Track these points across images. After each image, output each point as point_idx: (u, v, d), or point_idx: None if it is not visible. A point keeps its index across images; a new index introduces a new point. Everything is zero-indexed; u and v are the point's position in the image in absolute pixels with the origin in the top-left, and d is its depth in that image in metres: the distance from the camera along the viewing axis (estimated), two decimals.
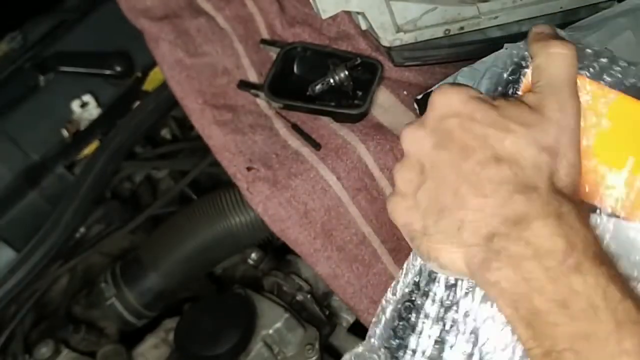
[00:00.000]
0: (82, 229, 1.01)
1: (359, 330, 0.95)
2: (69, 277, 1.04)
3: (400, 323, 0.56)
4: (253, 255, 1.04)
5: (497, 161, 0.45)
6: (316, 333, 0.92)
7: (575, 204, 0.46)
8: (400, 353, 0.56)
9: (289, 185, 0.84)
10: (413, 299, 0.56)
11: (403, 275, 0.57)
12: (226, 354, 0.88)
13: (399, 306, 0.57)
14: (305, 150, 0.86)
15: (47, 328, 1.00)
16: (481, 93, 0.49)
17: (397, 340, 0.56)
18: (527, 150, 0.45)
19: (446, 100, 0.48)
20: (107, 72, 1.02)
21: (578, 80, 0.50)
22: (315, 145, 0.86)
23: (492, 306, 0.51)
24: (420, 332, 0.55)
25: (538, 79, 0.49)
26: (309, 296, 0.96)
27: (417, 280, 0.56)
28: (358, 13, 0.85)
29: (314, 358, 0.91)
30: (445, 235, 0.47)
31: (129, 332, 1.02)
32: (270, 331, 0.91)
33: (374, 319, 0.58)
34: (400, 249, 0.86)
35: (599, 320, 0.42)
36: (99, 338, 0.99)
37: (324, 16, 0.81)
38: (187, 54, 0.96)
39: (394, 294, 0.57)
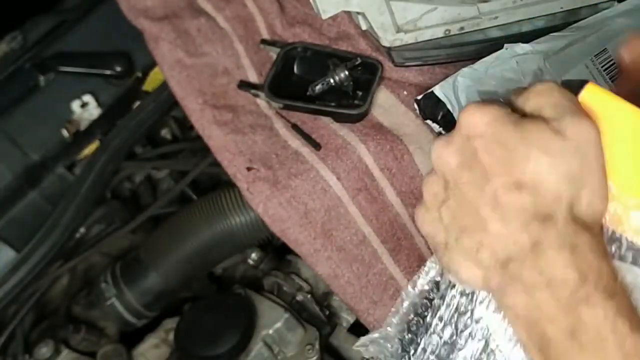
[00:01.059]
0: (82, 229, 1.01)
1: (359, 330, 0.95)
2: (69, 277, 1.04)
3: (415, 319, 0.57)
4: (253, 255, 1.04)
5: (518, 187, 0.45)
6: (316, 333, 0.92)
7: (593, 235, 0.45)
8: (411, 348, 0.56)
9: (289, 186, 0.84)
10: (431, 297, 0.57)
11: (425, 273, 0.58)
12: (226, 354, 0.88)
13: (417, 301, 0.58)
14: (305, 151, 0.86)
15: (47, 328, 1.00)
16: (509, 109, 0.48)
17: (410, 335, 0.57)
18: (548, 179, 0.45)
19: (472, 120, 0.47)
20: (107, 72, 1.02)
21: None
22: (315, 146, 0.86)
23: (504, 317, 0.51)
24: (433, 332, 0.55)
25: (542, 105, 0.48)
26: (309, 296, 0.96)
27: (437, 280, 0.56)
28: (358, 13, 0.85)
29: (314, 358, 0.91)
30: (465, 253, 0.48)
31: (129, 332, 1.02)
32: (270, 331, 0.91)
33: (392, 309, 0.59)
34: (400, 249, 0.86)
35: (606, 353, 0.43)
36: (99, 338, 0.99)
37: (324, 16, 0.81)
38: (187, 54, 0.96)
39: (413, 287, 0.58)
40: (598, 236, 0.46)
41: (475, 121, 0.47)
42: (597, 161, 0.46)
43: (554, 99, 0.47)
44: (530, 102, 0.48)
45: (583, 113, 0.46)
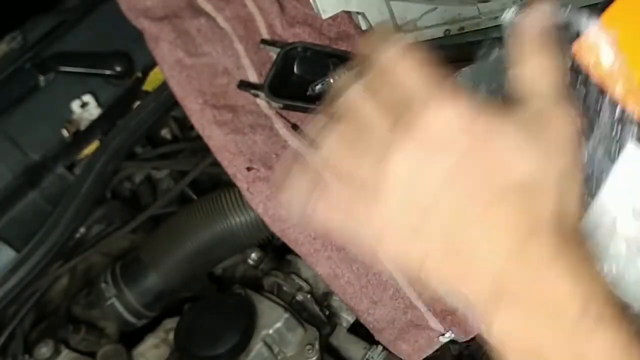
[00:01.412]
0: (82, 229, 1.01)
1: (359, 330, 0.95)
2: (69, 277, 1.04)
3: None
4: (253, 255, 1.04)
5: (502, 198, 0.39)
6: (316, 333, 0.92)
7: (584, 245, 0.41)
8: None
9: None
10: None
11: None
12: (226, 354, 0.88)
13: None
14: None
15: (47, 328, 1.00)
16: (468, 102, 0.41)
17: None
18: (534, 179, 0.40)
19: (434, 129, 0.40)
20: (107, 72, 1.02)
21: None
22: None
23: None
24: None
25: (525, 89, 0.43)
26: (309, 296, 0.96)
27: None
28: (358, 13, 0.85)
29: (314, 358, 0.91)
30: (449, 282, 0.42)
31: (129, 332, 1.02)
32: (270, 331, 0.91)
33: None
34: None
35: None
36: (99, 338, 0.99)
37: (324, 16, 0.81)
38: (187, 54, 0.96)
39: None
40: (587, 246, 0.42)
41: (429, 120, 0.40)
42: (574, 150, 0.41)
43: (538, 86, 0.42)
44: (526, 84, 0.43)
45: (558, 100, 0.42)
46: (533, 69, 0.43)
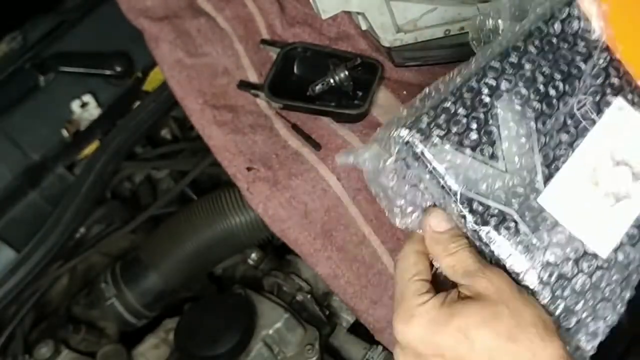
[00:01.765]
0: (82, 229, 1.01)
1: (359, 330, 0.95)
2: (69, 277, 1.04)
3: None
4: (253, 255, 1.04)
5: None
6: (316, 333, 0.92)
7: None
8: None
9: (289, 186, 0.84)
10: None
11: None
12: (226, 354, 0.88)
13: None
14: (305, 151, 0.86)
15: (47, 328, 1.00)
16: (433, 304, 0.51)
17: None
18: (496, 348, 0.48)
19: (406, 340, 0.51)
20: (107, 72, 1.02)
21: None
22: (316, 146, 0.86)
23: None
24: None
25: (454, 279, 0.52)
26: (309, 296, 0.96)
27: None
28: (358, 13, 0.85)
29: (314, 358, 0.91)
30: None
31: (129, 332, 1.02)
32: (270, 331, 0.91)
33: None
34: (400, 249, 0.86)
35: None
36: (99, 338, 0.99)
37: (324, 16, 0.81)
38: (187, 54, 0.96)
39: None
40: None
41: (408, 339, 0.51)
42: (519, 300, 0.49)
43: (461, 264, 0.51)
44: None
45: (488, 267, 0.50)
46: (450, 262, 0.52)
